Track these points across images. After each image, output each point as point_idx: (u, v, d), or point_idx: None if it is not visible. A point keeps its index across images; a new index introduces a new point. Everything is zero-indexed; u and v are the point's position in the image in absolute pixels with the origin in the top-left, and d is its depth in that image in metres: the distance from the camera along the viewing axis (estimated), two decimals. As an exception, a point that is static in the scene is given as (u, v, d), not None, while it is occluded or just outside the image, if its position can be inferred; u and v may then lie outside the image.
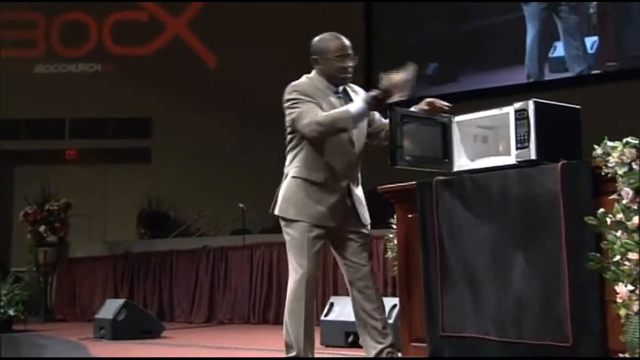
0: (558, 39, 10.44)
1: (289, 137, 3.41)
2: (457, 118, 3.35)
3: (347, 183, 3.37)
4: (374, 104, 3.24)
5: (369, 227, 3.46)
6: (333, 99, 3.37)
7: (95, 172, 12.99)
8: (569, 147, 3.06)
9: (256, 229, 11.38)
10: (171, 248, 9.32)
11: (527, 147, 3.03)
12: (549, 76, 10.42)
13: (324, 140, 3.30)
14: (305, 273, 3.30)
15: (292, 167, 3.37)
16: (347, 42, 3.40)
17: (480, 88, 10.55)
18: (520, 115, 3.07)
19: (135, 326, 6.26)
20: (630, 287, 2.51)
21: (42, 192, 10.17)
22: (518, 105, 3.09)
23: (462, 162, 3.32)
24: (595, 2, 10.10)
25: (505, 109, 3.15)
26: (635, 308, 2.50)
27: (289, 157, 3.41)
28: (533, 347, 2.91)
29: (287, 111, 3.35)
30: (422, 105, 3.37)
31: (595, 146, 2.70)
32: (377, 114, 3.50)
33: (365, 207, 3.46)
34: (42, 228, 9.72)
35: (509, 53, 10.87)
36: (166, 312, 8.69)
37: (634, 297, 2.50)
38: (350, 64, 3.37)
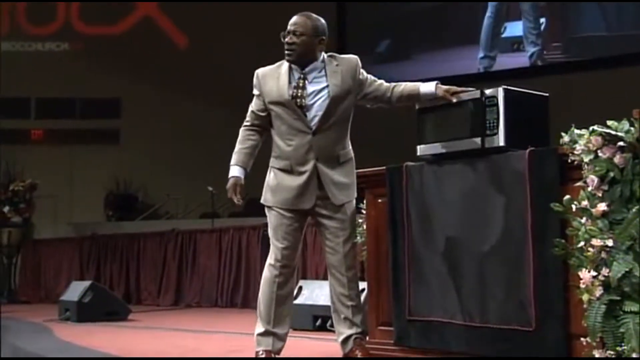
0: (508, 20, 10.65)
1: None
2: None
3: (314, 163, 3.31)
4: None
5: (347, 208, 3.37)
6: (283, 83, 3.30)
7: (61, 152, 12.80)
8: (537, 134, 3.09)
9: (225, 212, 11.35)
10: (139, 230, 9.25)
11: (496, 133, 3.05)
12: (499, 56, 10.68)
13: (276, 123, 3.35)
14: (278, 258, 3.35)
15: (272, 155, 3.45)
16: (294, 19, 3.31)
17: (442, 76, 10.69)
18: (490, 101, 3.09)
19: (101, 308, 6.21)
20: (593, 273, 2.55)
21: (7, 172, 9.99)
22: (488, 91, 3.11)
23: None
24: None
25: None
26: (597, 293, 2.54)
27: None
28: (497, 331, 2.96)
29: None
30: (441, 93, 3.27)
31: (563, 133, 2.72)
32: (370, 77, 3.41)
33: (342, 186, 3.35)
34: (6, 209, 9.57)
35: (462, 32, 11.01)
36: (133, 295, 8.63)
37: (597, 283, 2.54)
38: (288, 40, 3.28)
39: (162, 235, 8.65)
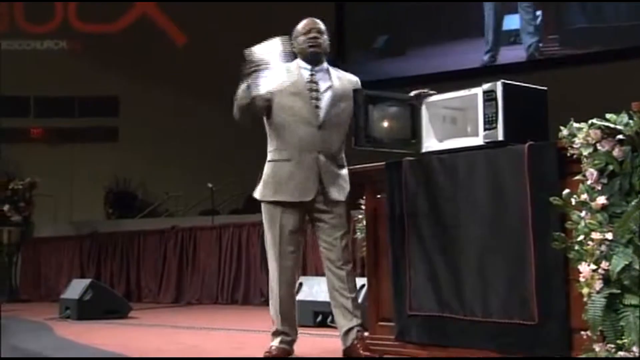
0: (507, 13, 10.74)
1: None
2: (426, 99, 3.35)
3: (316, 156, 3.40)
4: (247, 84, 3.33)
5: (342, 206, 3.48)
6: (297, 75, 3.42)
7: (61, 151, 12.81)
8: (536, 128, 3.08)
9: (225, 209, 11.36)
10: (139, 228, 9.26)
11: (495, 128, 3.05)
12: (502, 49, 10.80)
13: (281, 114, 3.40)
14: (280, 255, 3.40)
15: (268, 150, 3.51)
16: (313, 20, 3.52)
17: (438, 72, 10.73)
18: (489, 96, 3.08)
19: (101, 306, 6.21)
20: (593, 267, 2.55)
21: (6, 170, 9.99)
22: (486, 86, 3.10)
23: (430, 143, 3.33)
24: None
25: (473, 90, 3.16)
26: (597, 287, 2.54)
27: None
28: (499, 325, 2.96)
29: None
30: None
31: (562, 127, 2.72)
32: None
33: (340, 183, 3.47)
34: (5, 207, 9.57)
35: (458, 27, 11.07)
36: (133, 292, 8.64)
37: (596, 276, 2.54)
38: (315, 35, 3.46)
39: (162, 232, 8.66)
